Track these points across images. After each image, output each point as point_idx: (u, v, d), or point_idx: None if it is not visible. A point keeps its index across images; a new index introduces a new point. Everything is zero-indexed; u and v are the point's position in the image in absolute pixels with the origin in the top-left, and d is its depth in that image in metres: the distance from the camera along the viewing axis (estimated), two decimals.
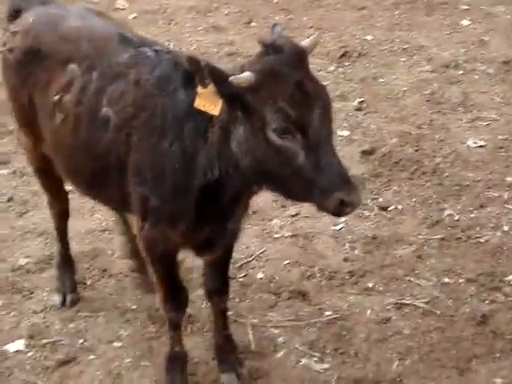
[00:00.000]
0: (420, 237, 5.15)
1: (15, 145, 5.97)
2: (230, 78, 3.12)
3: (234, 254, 4.93)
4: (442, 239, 5.11)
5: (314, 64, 6.94)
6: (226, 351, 4.21)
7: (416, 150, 6.05)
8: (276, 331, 4.46)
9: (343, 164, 3.18)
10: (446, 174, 5.77)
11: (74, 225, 5.15)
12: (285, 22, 8.22)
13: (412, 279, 4.79)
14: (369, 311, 4.57)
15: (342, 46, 7.74)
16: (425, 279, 4.79)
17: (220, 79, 3.14)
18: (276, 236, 5.25)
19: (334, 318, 4.52)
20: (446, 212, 5.37)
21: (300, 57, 3.21)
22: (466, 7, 8.55)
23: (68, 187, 4.54)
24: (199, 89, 3.21)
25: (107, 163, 3.68)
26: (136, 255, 4.74)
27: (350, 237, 5.19)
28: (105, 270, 4.90)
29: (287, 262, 4.99)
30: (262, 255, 5.06)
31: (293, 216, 5.43)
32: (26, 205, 5.55)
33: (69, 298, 4.66)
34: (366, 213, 5.42)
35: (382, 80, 7.14)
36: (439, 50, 7.63)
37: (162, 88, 3.52)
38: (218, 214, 3.60)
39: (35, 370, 4.23)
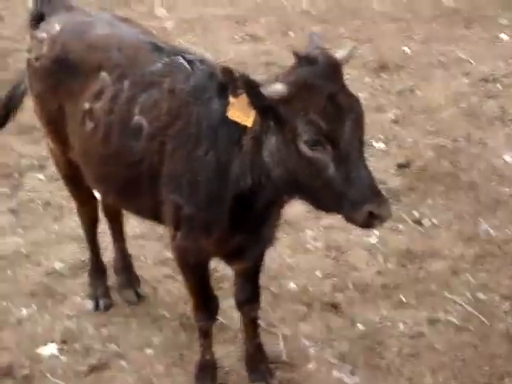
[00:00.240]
0: (455, 251, 5.11)
1: None
2: (263, 90, 3.13)
3: (266, 264, 4.97)
4: (477, 254, 5.07)
5: (351, 75, 6.94)
6: (257, 361, 4.22)
7: (452, 164, 6.01)
8: (307, 342, 4.45)
9: (373, 176, 3.18)
10: (482, 189, 5.72)
11: (109, 231, 5.19)
12: (322, 32, 8.20)
13: (446, 294, 4.75)
14: (401, 325, 4.54)
15: (379, 58, 7.72)
16: (459, 294, 4.75)
17: (253, 90, 3.15)
18: (309, 247, 5.24)
19: (366, 332, 4.50)
20: (482, 227, 5.33)
21: (334, 69, 3.21)
22: (506, 21, 8.49)
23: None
24: (231, 99, 3.23)
25: (139, 171, 3.69)
26: (125, 270, 4.79)
27: (383, 250, 5.16)
28: (139, 276, 4.92)
29: (320, 273, 4.97)
30: (294, 266, 5.06)
31: (326, 227, 5.41)
32: (61, 209, 5.59)
33: (101, 302, 4.69)
34: (401, 226, 5.39)
35: (418, 92, 7.11)
36: (477, 64, 7.57)
37: (197, 97, 3.53)
38: (250, 222, 3.61)
39: (67, 374, 4.26)
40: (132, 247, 5.15)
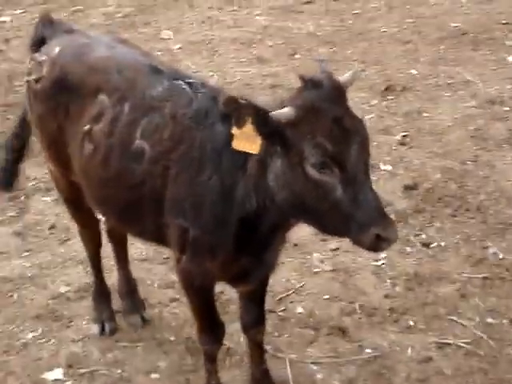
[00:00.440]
0: (463, 275, 5.07)
1: None
2: (271, 114, 3.13)
3: (273, 288, 4.96)
4: (486, 278, 5.02)
5: (358, 97, 6.94)
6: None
7: (460, 187, 5.98)
8: (315, 367, 4.41)
9: (380, 199, 3.18)
10: (491, 212, 5.68)
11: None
12: (329, 54, 8.24)
13: (454, 318, 4.71)
14: (410, 350, 4.50)
15: (386, 80, 7.72)
16: (467, 319, 4.70)
17: (260, 117, 3.14)
18: (316, 270, 5.20)
19: (374, 356, 4.45)
20: (490, 250, 5.29)
21: (339, 92, 3.22)
22: None
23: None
24: (235, 130, 3.20)
25: (141, 194, 3.68)
26: (130, 294, 4.76)
27: (391, 273, 5.13)
28: (144, 300, 4.89)
29: (327, 296, 4.94)
30: (301, 289, 5.02)
31: (333, 250, 5.38)
32: (67, 232, 5.57)
33: (107, 326, 4.66)
34: (408, 249, 5.35)
35: (426, 115, 7.10)
36: (485, 86, 7.56)
37: (199, 122, 3.54)
38: (255, 245, 3.59)
39: None
40: (138, 270, 5.13)
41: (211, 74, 7.96)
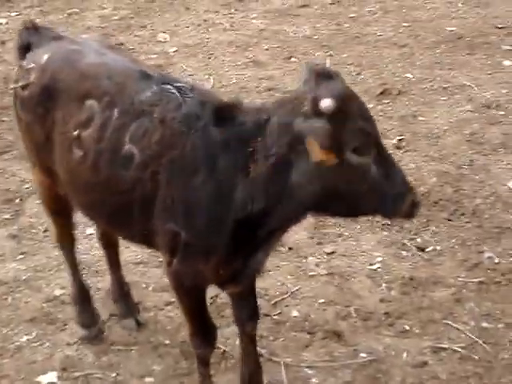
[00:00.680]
0: (459, 279, 5.07)
1: None
2: (324, 110, 3.18)
3: (268, 291, 4.97)
4: (481, 282, 5.02)
5: None
6: (256, 382, 4.19)
7: (455, 191, 5.98)
8: (310, 371, 4.41)
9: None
10: (486, 216, 5.68)
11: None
12: (325, 58, 8.23)
13: (450, 323, 4.71)
14: (405, 354, 4.49)
15: (382, 84, 7.72)
16: (463, 323, 4.70)
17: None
18: (311, 274, 5.20)
19: (370, 360, 4.45)
20: (486, 254, 5.28)
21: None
22: (509, 47, 8.48)
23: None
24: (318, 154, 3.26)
25: (130, 199, 3.67)
26: (123, 298, 4.74)
27: (386, 277, 5.12)
28: (139, 303, 4.88)
29: (322, 300, 4.93)
30: (296, 293, 5.02)
31: (329, 254, 5.38)
32: None
33: (93, 330, 4.60)
34: (404, 253, 5.35)
35: (421, 118, 7.09)
36: (480, 90, 7.56)
37: (190, 125, 3.54)
38: (252, 247, 3.60)
39: None
40: (133, 274, 5.13)
41: (207, 76, 7.96)
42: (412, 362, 4.44)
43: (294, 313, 4.83)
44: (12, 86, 4.18)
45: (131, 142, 3.64)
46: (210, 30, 9.14)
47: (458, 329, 4.66)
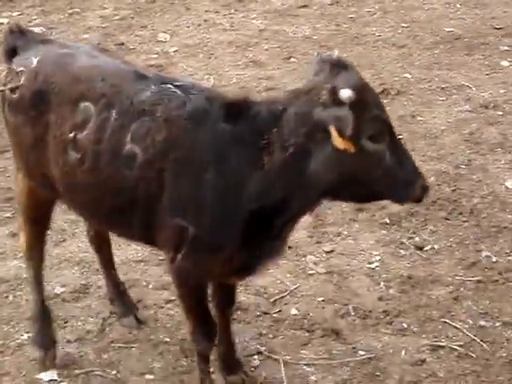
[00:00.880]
0: (456, 278, 5.10)
1: None
2: (343, 99, 3.30)
3: (268, 289, 5.01)
4: (479, 281, 5.06)
5: None
6: (232, 356, 4.29)
7: (453, 190, 6.01)
8: (309, 369, 4.44)
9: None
10: (484, 215, 5.72)
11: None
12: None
13: (448, 321, 4.74)
14: (403, 352, 4.53)
15: (381, 84, 7.72)
16: (461, 321, 4.74)
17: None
18: (310, 272, 5.23)
19: (368, 358, 4.49)
20: (484, 253, 5.32)
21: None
22: (507, 48, 8.50)
23: None
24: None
25: (132, 197, 3.71)
26: (120, 297, 4.74)
27: (385, 275, 5.16)
28: (139, 301, 4.91)
29: (321, 298, 4.96)
30: (295, 291, 5.05)
31: (328, 252, 5.41)
32: (63, 233, 5.58)
33: (51, 352, 4.44)
34: (402, 252, 5.39)
35: (420, 118, 7.12)
36: (478, 90, 7.58)
37: (197, 122, 3.59)
38: (268, 235, 3.67)
39: None
40: (133, 272, 5.16)
41: (207, 76, 7.98)
42: (410, 360, 4.48)
43: (293, 311, 4.86)
44: (0, 89, 4.13)
45: (133, 142, 3.67)
46: (210, 30, 9.15)
47: (455, 327, 4.70)
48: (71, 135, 3.81)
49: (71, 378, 4.37)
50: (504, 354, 4.48)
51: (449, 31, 8.91)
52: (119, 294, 4.77)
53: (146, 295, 4.98)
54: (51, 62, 4.02)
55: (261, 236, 3.64)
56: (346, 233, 5.61)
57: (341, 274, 5.18)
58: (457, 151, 6.57)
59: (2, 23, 9.05)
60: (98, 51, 4.18)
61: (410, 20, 9.23)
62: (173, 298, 4.86)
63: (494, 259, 5.26)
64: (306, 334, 4.68)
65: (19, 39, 4.19)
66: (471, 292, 4.98)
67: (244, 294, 4.93)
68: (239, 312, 4.77)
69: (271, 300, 4.92)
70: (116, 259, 5.20)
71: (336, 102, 3.33)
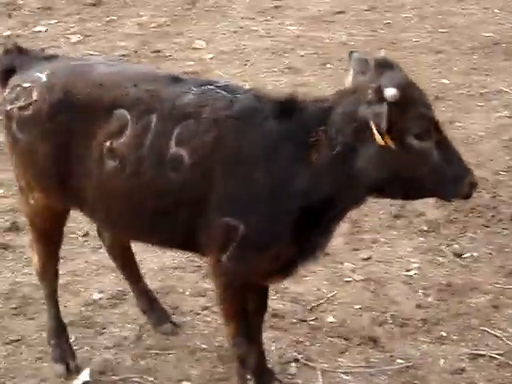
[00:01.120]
0: (496, 286, 5.04)
1: None
2: (388, 98, 3.35)
3: (305, 297, 4.98)
4: None
5: None
6: (263, 365, 4.20)
7: (493, 197, 5.95)
8: (346, 377, 4.41)
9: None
10: None
11: (147, 261, 5.22)
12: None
13: (487, 329, 4.69)
14: (442, 361, 4.48)
15: None
16: (501, 330, 4.68)
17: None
18: (347, 279, 5.20)
19: (406, 367, 4.44)
20: None
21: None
22: None
23: None
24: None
25: (177, 200, 3.72)
26: (152, 307, 4.68)
27: (423, 283, 5.11)
28: (176, 308, 4.91)
29: (358, 306, 4.93)
30: (332, 299, 5.02)
31: (365, 260, 5.38)
32: (100, 240, 5.59)
33: (72, 365, 4.43)
34: (440, 259, 5.34)
35: (458, 124, 7.05)
36: None
37: (246, 121, 3.63)
38: (314, 233, 3.71)
39: None
40: (169, 279, 5.17)
41: (243, 83, 7.98)
42: (449, 368, 4.43)
43: (330, 318, 4.83)
44: (7, 108, 4.03)
45: (178, 145, 3.68)
46: (246, 36, 9.16)
47: (495, 335, 4.64)
48: (107, 144, 3.79)
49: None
50: None
51: (487, 36, 8.82)
52: (151, 303, 4.73)
53: (183, 302, 4.98)
54: (66, 73, 3.98)
55: (309, 232, 3.68)
56: (383, 240, 5.57)
57: (378, 281, 5.14)
58: (496, 157, 6.50)
59: (40, 31, 9.16)
60: (112, 61, 4.19)
61: (447, 25, 9.16)
62: (209, 304, 4.88)
63: None
64: (344, 342, 4.64)
65: (17, 59, 4.14)
66: (511, 300, 4.91)
67: (281, 301, 4.92)
68: (276, 319, 4.76)
69: (308, 307, 4.90)
70: (152, 266, 5.26)
71: (381, 101, 3.38)
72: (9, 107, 4.03)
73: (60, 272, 5.13)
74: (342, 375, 4.42)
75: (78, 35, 9.01)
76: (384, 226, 5.68)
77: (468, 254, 5.37)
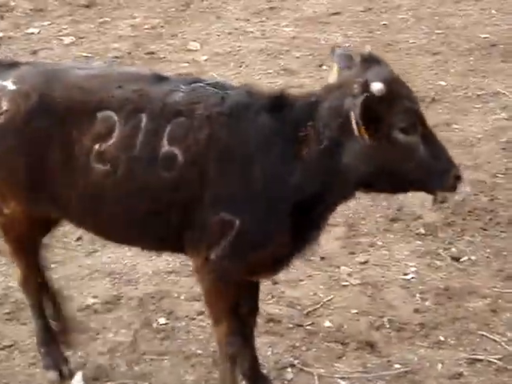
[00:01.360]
0: (494, 290, 5.00)
1: None
2: (375, 92, 3.36)
3: (301, 301, 4.94)
4: None
5: None
6: (257, 368, 4.19)
7: (490, 200, 5.91)
8: (343, 382, 4.38)
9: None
10: None
11: (141, 266, 5.18)
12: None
13: (485, 334, 4.65)
14: (440, 365, 4.44)
15: (415, 91, 7.56)
16: (499, 334, 4.65)
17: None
18: (344, 283, 5.15)
19: (404, 371, 4.41)
20: None
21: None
22: None
23: None
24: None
25: (170, 199, 3.68)
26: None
27: (420, 287, 5.07)
28: (171, 313, 4.87)
29: (355, 310, 4.89)
30: (329, 303, 4.98)
31: (362, 263, 5.34)
32: (94, 244, 5.54)
33: (65, 369, 4.38)
34: (438, 263, 5.30)
35: (455, 126, 7.02)
36: None
37: (238, 116, 3.62)
38: (305, 228, 3.70)
39: None
40: (164, 283, 5.13)
41: (238, 85, 7.93)
42: (447, 373, 4.39)
43: (327, 323, 4.79)
44: None
45: (170, 144, 3.64)
46: (241, 38, 9.12)
47: (494, 340, 4.60)
48: (95, 147, 3.70)
49: None
50: None
51: (484, 38, 8.79)
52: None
53: (178, 307, 4.93)
54: (39, 78, 3.87)
55: (300, 227, 3.67)
56: (380, 243, 5.52)
57: (375, 285, 5.10)
58: (493, 160, 6.45)
59: (33, 33, 9.11)
60: (83, 64, 4.12)
61: (444, 27, 9.13)
62: (204, 309, 4.81)
63: None
64: (340, 347, 4.60)
65: None
66: (509, 304, 4.88)
67: (277, 305, 4.87)
68: (272, 324, 4.72)
69: (304, 312, 4.86)
70: (147, 270, 5.23)
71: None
72: None
73: (54, 276, 5.09)
74: (338, 380, 4.38)
75: (71, 37, 8.96)
76: (381, 229, 5.64)
77: (466, 258, 5.33)
